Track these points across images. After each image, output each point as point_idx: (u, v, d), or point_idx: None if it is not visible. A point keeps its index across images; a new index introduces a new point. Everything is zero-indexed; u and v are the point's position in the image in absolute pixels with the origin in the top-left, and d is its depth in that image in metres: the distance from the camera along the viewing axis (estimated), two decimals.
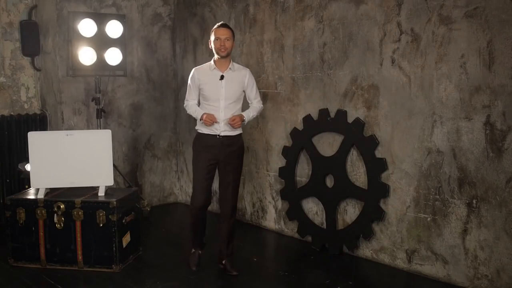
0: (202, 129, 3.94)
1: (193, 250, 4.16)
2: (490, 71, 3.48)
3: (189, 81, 4.02)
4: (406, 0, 3.90)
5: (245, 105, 4.05)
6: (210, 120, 3.82)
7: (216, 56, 3.91)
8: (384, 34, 4.06)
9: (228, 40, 3.86)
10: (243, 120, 3.91)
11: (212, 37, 3.89)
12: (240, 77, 3.96)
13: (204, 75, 3.93)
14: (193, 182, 4.03)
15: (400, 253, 4.10)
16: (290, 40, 4.81)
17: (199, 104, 4.02)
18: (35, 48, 5.56)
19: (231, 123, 3.84)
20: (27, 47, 5.53)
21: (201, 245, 4.17)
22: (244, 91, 4.00)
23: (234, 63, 3.98)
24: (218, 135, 3.88)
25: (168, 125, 6.20)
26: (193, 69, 4.02)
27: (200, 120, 3.88)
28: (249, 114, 4.00)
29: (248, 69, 4.06)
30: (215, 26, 3.93)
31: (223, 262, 4.04)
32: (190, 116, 4.21)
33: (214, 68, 3.91)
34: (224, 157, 3.92)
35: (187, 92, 4.05)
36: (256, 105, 4.07)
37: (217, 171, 4.03)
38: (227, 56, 3.89)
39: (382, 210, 4.16)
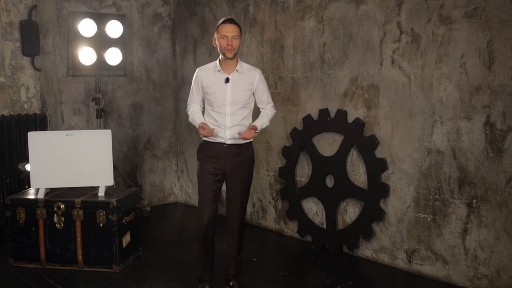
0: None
1: (200, 286, 3.63)
2: (490, 71, 3.48)
3: (192, 82, 3.58)
4: (406, 0, 3.90)
5: (256, 111, 3.67)
6: (205, 133, 3.40)
7: (221, 56, 3.46)
8: (384, 34, 4.06)
9: (235, 38, 3.39)
10: (255, 132, 3.48)
11: (217, 35, 3.42)
12: (248, 79, 3.50)
13: (209, 77, 3.49)
14: (198, 195, 3.56)
15: (400, 253, 4.10)
16: (290, 40, 4.81)
17: (203, 109, 3.61)
18: (35, 48, 5.57)
19: (241, 137, 3.41)
20: (27, 47, 5.53)
21: (210, 278, 3.66)
22: (254, 94, 3.55)
23: (242, 63, 3.52)
24: (224, 144, 3.45)
25: (168, 125, 6.21)
26: (197, 69, 3.58)
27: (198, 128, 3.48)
28: (262, 124, 3.56)
29: (258, 70, 3.61)
30: (221, 22, 3.44)
31: (231, 284, 3.67)
32: None
33: (219, 69, 3.46)
34: (231, 168, 3.48)
35: (189, 96, 3.62)
36: (268, 111, 3.63)
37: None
38: (234, 57, 3.44)
39: (382, 210, 4.16)
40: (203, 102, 3.60)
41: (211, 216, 3.50)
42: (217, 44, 3.45)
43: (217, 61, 3.51)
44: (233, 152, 3.48)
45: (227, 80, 3.44)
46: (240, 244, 3.67)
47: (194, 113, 3.57)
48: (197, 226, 3.58)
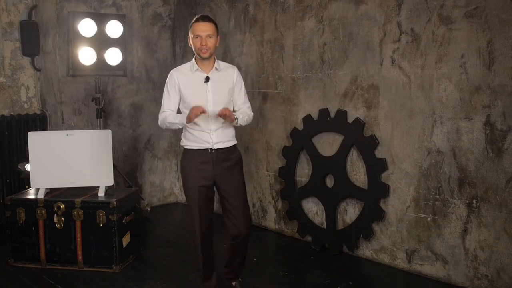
0: (190, 144, 3.31)
1: None
2: (490, 71, 3.48)
3: (166, 86, 3.32)
4: (406, 0, 3.90)
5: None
6: (196, 112, 3.09)
7: (197, 56, 3.29)
8: (384, 34, 4.06)
9: (210, 37, 3.20)
10: (234, 118, 3.24)
11: (191, 34, 3.25)
12: (227, 77, 3.34)
13: (186, 78, 3.29)
14: (188, 208, 3.37)
15: (400, 253, 4.10)
16: (290, 40, 4.81)
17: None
18: (35, 48, 5.57)
19: (223, 112, 3.11)
20: (27, 47, 5.54)
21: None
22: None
23: (219, 62, 3.35)
24: (211, 149, 3.26)
25: None
26: (172, 71, 3.36)
27: (188, 122, 3.18)
28: (239, 116, 3.31)
29: (235, 67, 3.46)
30: (194, 20, 3.25)
31: (233, 284, 3.60)
32: None
33: (197, 69, 3.28)
34: (221, 176, 3.29)
35: (163, 102, 3.33)
36: (246, 110, 3.42)
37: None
38: (210, 57, 3.27)
39: (382, 210, 4.16)
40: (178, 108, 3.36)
41: (206, 231, 3.36)
42: (192, 44, 3.27)
43: (193, 60, 3.33)
44: (222, 158, 3.29)
45: (207, 80, 3.26)
46: (245, 254, 3.55)
47: (173, 114, 3.30)
48: (193, 238, 3.41)
